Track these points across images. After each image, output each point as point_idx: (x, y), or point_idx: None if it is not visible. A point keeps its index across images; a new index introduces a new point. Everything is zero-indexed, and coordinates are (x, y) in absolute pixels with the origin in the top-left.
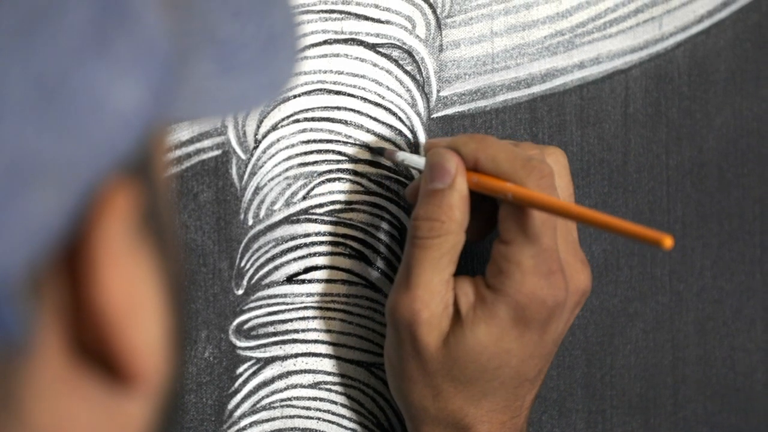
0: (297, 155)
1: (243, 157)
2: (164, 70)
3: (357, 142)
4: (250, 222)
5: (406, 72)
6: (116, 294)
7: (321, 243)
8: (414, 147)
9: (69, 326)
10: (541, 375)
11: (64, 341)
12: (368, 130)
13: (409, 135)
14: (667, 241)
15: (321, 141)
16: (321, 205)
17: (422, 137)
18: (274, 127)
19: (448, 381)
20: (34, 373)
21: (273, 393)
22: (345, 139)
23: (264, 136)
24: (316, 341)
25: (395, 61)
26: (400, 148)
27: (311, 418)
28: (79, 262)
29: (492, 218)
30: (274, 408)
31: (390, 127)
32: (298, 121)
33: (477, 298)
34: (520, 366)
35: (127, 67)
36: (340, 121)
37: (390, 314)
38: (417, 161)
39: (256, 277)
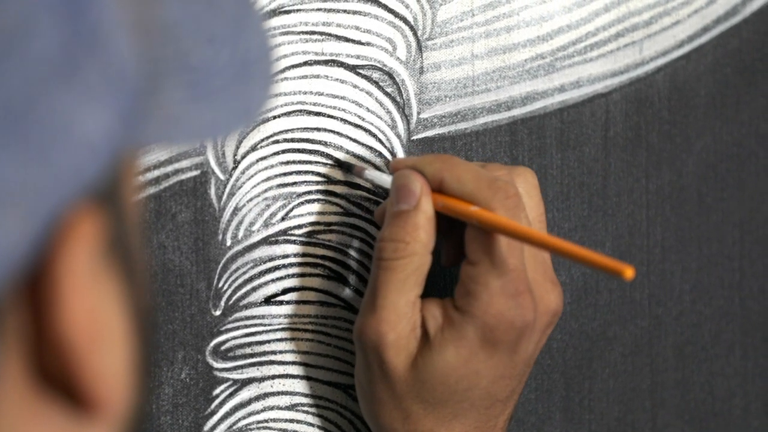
0: (276, 176)
1: (222, 177)
2: (134, 97)
3: (335, 164)
4: (229, 243)
5: (387, 94)
6: (79, 322)
7: (299, 264)
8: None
9: (31, 354)
10: (514, 395)
11: (27, 369)
12: (348, 152)
13: (389, 157)
14: (628, 272)
15: (300, 162)
16: (300, 227)
17: None
18: (254, 148)
19: (417, 403)
20: None
21: (250, 415)
22: (324, 161)
23: (243, 157)
24: (293, 363)
25: (375, 83)
26: (376, 167)
27: None
28: (42, 290)
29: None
30: (251, 430)
31: (370, 148)
32: (277, 142)
33: (445, 320)
34: (490, 387)
35: (95, 94)
36: (319, 143)
37: (357, 337)
38: (383, 179)
39: (234, 298)
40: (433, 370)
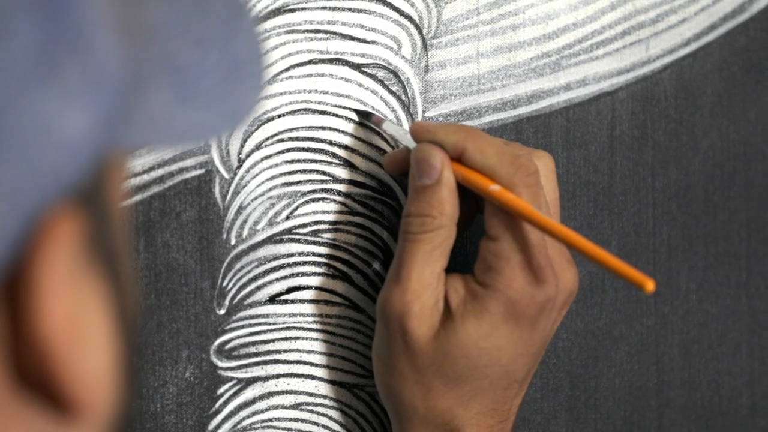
0: (281, 175)
1: (226, 176)
2: (116, 97)
3: (341, 162)
4: (233, 241)
5: (392, 92)
6: (58, 323)
7: (304, 263)
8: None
9: (10, 355)
10: (528, 377)
11: (5, 370)
12: (353, 150)
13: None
14: (649, 285)
15: (305, 161)
16: (304, 225)
17: None
18: (258, 147)
19: (438, 378)
20: None
21: (254, 414)
22: (329, 159)
23: (248, 156)
24: (298, 362)
25: (380, 82)
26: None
27: None
28: (20, 290)
29: (475, 207)
30: (255, 429)
31: (375, 147)
32: (282, 140)
33: (467, 293)
34: (509, 364)
35: (75, 94)
36: (324, 141)
37: (381, 308)
38: (400, 134)
39: (239, 297)
40: (455, 342)
